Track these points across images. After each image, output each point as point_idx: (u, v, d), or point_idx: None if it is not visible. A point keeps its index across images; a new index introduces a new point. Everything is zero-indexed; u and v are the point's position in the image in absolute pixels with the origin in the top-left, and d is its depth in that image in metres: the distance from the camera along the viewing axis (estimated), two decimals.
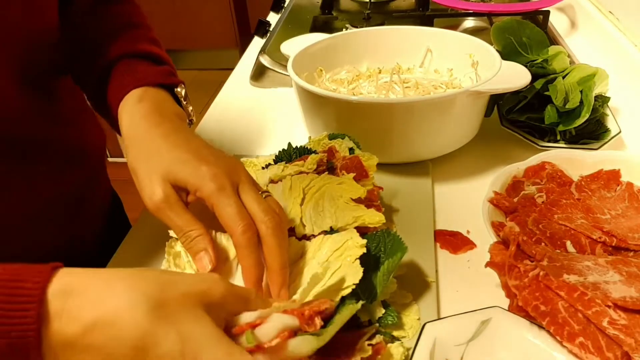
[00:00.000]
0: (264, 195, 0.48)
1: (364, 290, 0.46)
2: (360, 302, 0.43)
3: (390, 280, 0.48)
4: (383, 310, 0.48)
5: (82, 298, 0.33)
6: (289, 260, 0.47)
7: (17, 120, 0.55)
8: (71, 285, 0.34)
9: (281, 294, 0.44)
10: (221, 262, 0.47)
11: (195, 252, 0.45)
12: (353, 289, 0.43)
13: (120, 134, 0.54)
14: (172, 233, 0.50)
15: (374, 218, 0.52)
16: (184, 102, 0.59)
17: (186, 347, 0.33)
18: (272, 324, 0.37)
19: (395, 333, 0.49)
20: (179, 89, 0.59)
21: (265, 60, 1.01)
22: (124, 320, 0.33)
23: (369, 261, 0.47)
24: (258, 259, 0.44)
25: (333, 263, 0.46)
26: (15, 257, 0.56)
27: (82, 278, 0.34)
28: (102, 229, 0.73)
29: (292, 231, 0.52)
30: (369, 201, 0.56)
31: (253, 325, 0.37)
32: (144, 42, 0.61)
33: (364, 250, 0.46)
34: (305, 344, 0.37)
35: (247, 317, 0.39)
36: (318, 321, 0.39)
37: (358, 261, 0.45)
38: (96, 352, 0.33)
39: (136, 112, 0.53)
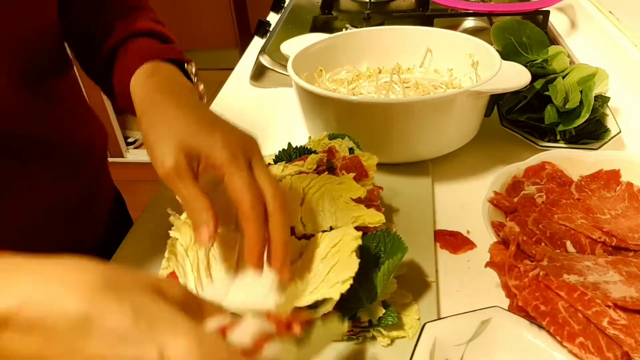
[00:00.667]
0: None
1: (365, 290, 0.46)
2: (346, 323, 0.42)
3: (390, 280, 0.48)
4: (383, 311, 0.48)
5: (21, 275, 0.30)
6: (289, 260, 0.47)
7: (18, 119, 0.55)
8: (9, 266, 0.31)
9: (283, 270, 0.44)
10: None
11: (197, 224, 0.44)
12: (353, 287, 0.43)
13: (133, 113, 0.54)
14: (172, 233, 0.50)
15: (374, 218, 0.52)
16: (195, 79, 0.59)
17: (139, 316, 0.29)
18: (246, 327, 0.33)
19: (395, 333, 0.49)
20: (189, 66, 0.59)
21: (265, 60, 1.01)
22: (67, 291, 0.29)
23: (369, 261, 0.47)
24: (263, 234, 0.43)
25: (331, 259, 0.46)
26: None
27: (21, 260, 0.31)
28: (105, 229, 0.73)
29: (291, 231, 0.52)
30: (369, 201, 0.56)
31: (223, 329, 0.33)
32: (149, 22, 0.61)
33: (360, 242, 0.46)
34: (285, 353, 0.33)
35: (216, 321, 0.34)
36: (298, 328, 0.35)
37: (354, 254, 0.45)
38: (34, 327, 0.29)
39: (149, 85, 0.53)
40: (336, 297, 0.43)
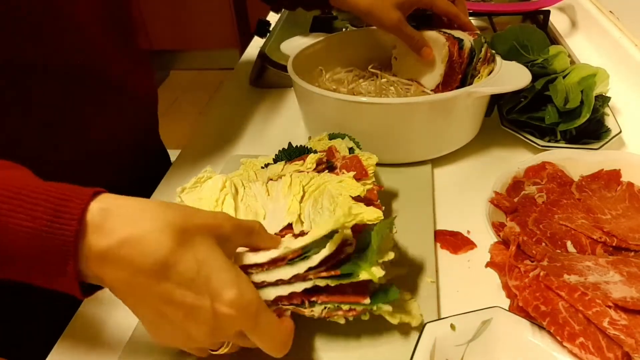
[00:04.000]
0: None
1: (361, 250, 0.46)
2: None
3: (387, 243, 0.48)
4: (382, 272, 0.45)
5: (118, 217, 0.38)
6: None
7: (101, 55, 0.63)
8: (110, 206, 0.38)
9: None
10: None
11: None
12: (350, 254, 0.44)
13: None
14: None
15: (372, 215, 0.52)
16: None
17: (201, 268, 0.38)
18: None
19: (401, 316, 0.48)
20: None
21: (265, 60, 1.01)
22: (152, 240, 0.37)
23: (362, 240, 0.47)
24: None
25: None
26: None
27: (119, 202, 0.39)
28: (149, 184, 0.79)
29: (289, 228, 0.52)
30: (369, 201, 0.56)
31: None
32: None
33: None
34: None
35: (252, 257, 0.44)
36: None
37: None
38: (125, 264, 0.37)
39: None
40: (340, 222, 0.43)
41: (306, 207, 0.53)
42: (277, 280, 0.45)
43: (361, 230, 0.49)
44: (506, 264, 0.50)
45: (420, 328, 0.45)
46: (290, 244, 0.44)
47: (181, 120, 2.57)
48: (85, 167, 0.66)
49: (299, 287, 0.45)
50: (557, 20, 1.14)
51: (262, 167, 0.62)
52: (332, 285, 0.45)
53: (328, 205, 0.53)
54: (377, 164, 0.61)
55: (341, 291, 0.46)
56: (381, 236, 0.46)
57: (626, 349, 0.41)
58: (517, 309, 0.47)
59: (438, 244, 0.60)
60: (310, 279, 0.45)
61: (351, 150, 0.63)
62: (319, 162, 0.59)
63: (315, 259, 0.44)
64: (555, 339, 0.44)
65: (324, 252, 0.43)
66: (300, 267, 0.44)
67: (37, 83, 0.58)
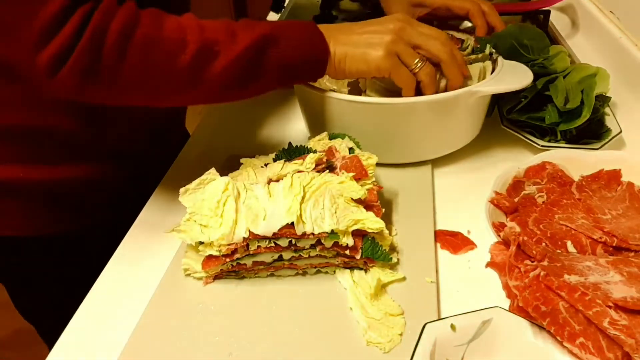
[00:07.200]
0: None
1: None
2: None
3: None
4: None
5: None
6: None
7: None
8: None
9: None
10: None
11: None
12: None
13: None
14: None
15: (374, 224, 0.52)
16: None
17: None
18: None
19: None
20: None
21: None
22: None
23: None
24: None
25: None
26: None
27: None
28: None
29: (292, 227, 0.52)
30: (369, 202, 0.56)
31: None
32: None
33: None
34: None
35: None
36: None
37: None
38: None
39: None
40: None
41: (307, 208, 0.53)
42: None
43: (364, 235, 0.50)
44: (506, 264, 0.50)
45: (421, 328, 0.45)
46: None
47: None
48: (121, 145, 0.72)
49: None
50: (558, 20, 1.14)
51: (262, 167, 0.62)
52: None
53: (329, 206, 0.53)
54: (377, 164, 0.61)
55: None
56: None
57: (626, 349, 0.41)
58: (517, 309, 0.47)
59: (438, 244, 0.60)
60: None
61: (351, 150, 0.63)
62: (318, 162, 0.59)
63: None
64: (556, 339, 0.44)
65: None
66: None
67: None
